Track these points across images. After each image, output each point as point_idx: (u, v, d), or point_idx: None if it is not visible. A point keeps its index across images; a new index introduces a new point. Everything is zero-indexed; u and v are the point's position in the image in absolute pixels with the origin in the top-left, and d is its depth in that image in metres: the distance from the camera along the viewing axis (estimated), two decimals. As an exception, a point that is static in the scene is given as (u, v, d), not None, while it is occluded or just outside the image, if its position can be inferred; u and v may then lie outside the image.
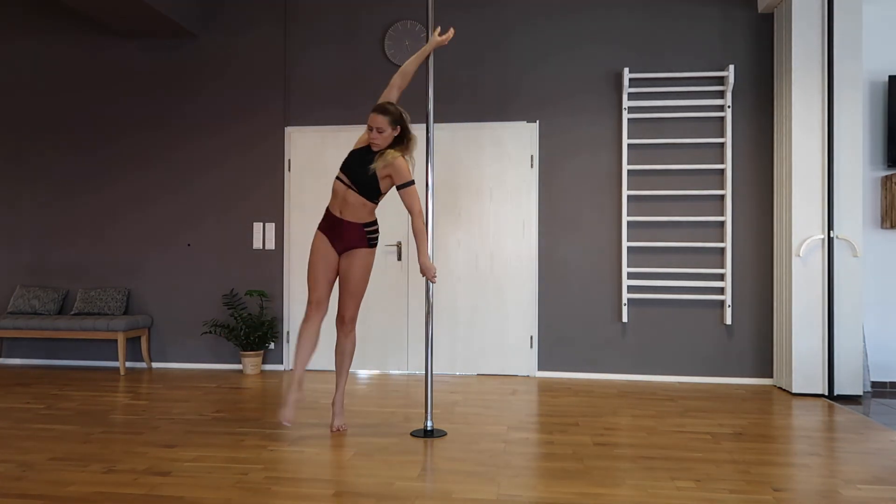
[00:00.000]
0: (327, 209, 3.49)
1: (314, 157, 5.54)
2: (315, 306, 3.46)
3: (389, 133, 3.35)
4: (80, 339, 5.78)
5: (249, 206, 5.61)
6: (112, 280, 5.77)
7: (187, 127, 5.70)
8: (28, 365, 5.80)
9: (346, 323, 3.54)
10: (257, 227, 5.59)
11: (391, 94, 3.49)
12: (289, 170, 5.57)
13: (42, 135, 5.88)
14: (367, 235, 3.45)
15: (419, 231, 3.40)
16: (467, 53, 5.35)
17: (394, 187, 3.42)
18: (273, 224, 5.57)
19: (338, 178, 3.43)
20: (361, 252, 3.45)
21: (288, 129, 5.58)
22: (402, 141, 3.42)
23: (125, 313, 5.68)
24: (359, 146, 3.47)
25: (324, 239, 3.46)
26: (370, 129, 3.34)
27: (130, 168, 5.76)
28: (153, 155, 5.74)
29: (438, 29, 3.56)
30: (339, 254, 3.47)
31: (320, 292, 3.46)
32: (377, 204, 3.49)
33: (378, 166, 3.34)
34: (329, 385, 4.89)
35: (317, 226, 3.53)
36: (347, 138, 5.48)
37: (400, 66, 3.58)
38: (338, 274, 3.51)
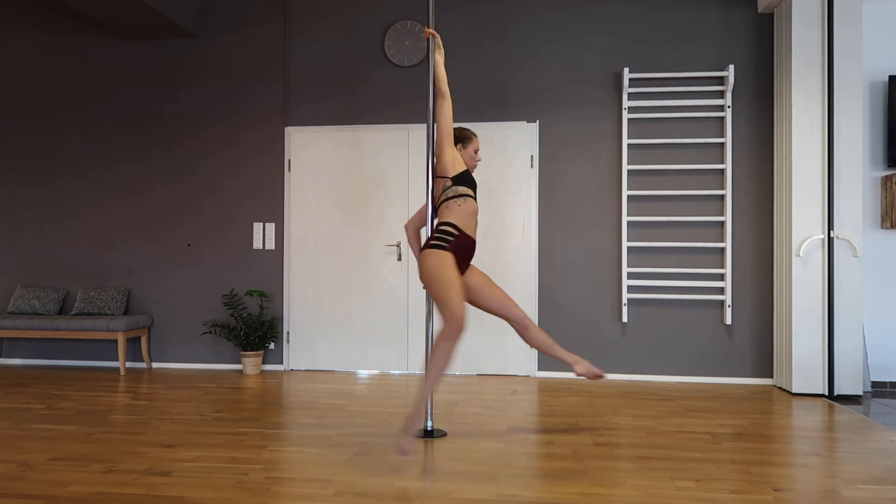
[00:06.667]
0: (462, 231, 3.27)
1: (314, 157, 5.54)
2: (463, 323, 3.03)
3: None
4: (80, 340, 5.78)
5: (249, 205, 5.61)
6: (112, 280, 5.77)
7: (187, 127, 5.70)
8: (28, 365, 5.80)
9: (523, 318, 3.47)
10: (257, 227, 5.59)
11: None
12: (289, 170, 5.57)
13: (41, 135, 5.88)
14: None
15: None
16: (467, 53, 5.34)
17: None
18: (273, 224, 5.57)
19: (472, 197, 3.37)
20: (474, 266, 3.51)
21: (288, 129, 5.58)
22: None
23: (125, 313, 5.68)
24: (464, 168, 3.40)
25: (453, 261, 3.20)
26: (476, 151, 3.54)
27: (131, 168, 5.76)
28: (153, 155, 5.74)
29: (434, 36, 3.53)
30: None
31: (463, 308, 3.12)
32: None
33: None
34: (331, 385, 4.90)
35: (432, 246, 3.22)
36: (347, 138, 5.49)
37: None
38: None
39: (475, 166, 3.54)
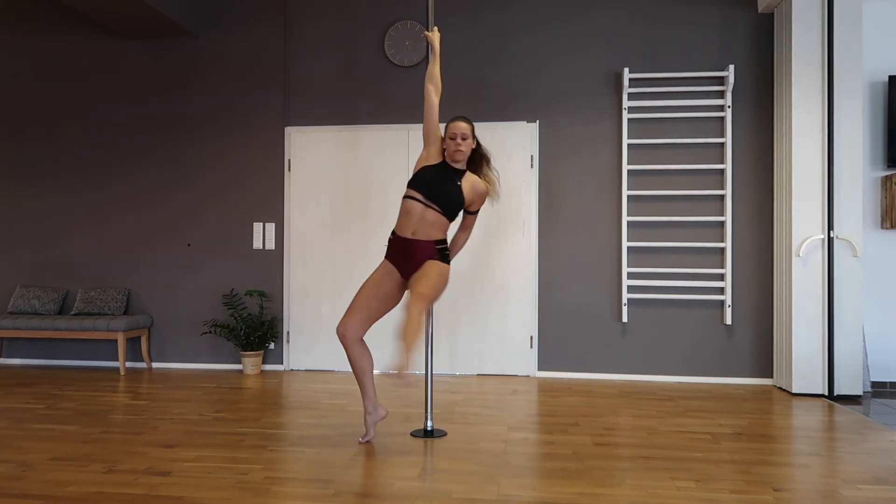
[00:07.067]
0: (394, 233, 3.27)
1: (314, 157, 5.54)
2: (340, 333, 3.21)
3: (471, 142, 3.23)
4: (80, 339, 5.78)
5: (249, 206, 5.61)
6: (112, 280, 5.77)
7: (187, 127, 5.70)
8: (28, 365, 5.80)
9: (409, 307, 3.02)
10: (257, 227, 5.59)
11: (436, 103, 3.32)
12: (289, 170, 5.57)
13: (41, 134, 5.88)
14: (439, 252, 3.21)
15: (463, 244, 3.48)
16: (467, 53, 5.34)
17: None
18: (273, 224, 5.57)
19: (410, 197, 3.18)
20: (438, 263, 3.18)
21: (288, 129, 5.58)
22: (476, 159, 3.33)
23: (125, 313, 5.68)
24: (430, 163, 3.25)
25: (388, 268, 3.24)
26: (453, 137, 3.17)
27: (130, 168, 5.76)
28: (153, 155, 5.74)
29: (434, 32, 3.54)
30: (408, 277, 3.22)
31: (358, 319, 3.19)
32: (451, 221, 3.30)
33: (466, 189, 3.23)
34: (331, 385, 4.90)
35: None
36: (347, 138, 5.49)
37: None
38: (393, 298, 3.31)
39: (458, 151, 3.19)
